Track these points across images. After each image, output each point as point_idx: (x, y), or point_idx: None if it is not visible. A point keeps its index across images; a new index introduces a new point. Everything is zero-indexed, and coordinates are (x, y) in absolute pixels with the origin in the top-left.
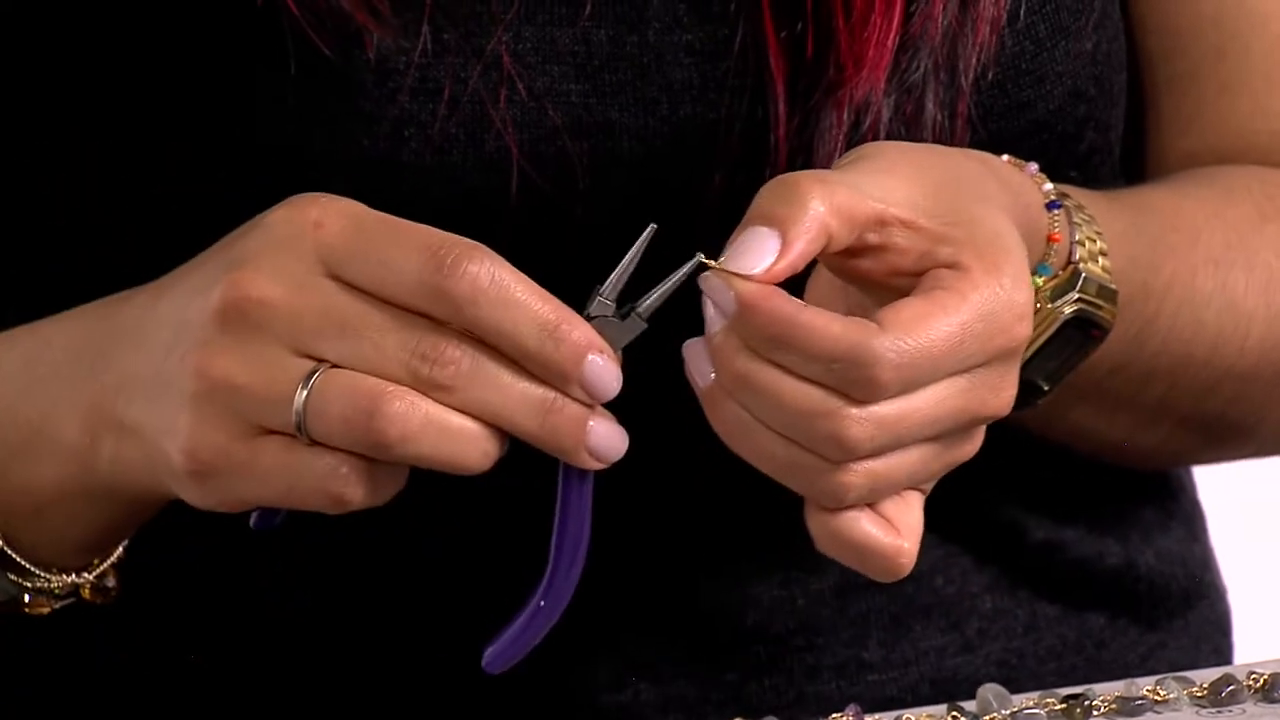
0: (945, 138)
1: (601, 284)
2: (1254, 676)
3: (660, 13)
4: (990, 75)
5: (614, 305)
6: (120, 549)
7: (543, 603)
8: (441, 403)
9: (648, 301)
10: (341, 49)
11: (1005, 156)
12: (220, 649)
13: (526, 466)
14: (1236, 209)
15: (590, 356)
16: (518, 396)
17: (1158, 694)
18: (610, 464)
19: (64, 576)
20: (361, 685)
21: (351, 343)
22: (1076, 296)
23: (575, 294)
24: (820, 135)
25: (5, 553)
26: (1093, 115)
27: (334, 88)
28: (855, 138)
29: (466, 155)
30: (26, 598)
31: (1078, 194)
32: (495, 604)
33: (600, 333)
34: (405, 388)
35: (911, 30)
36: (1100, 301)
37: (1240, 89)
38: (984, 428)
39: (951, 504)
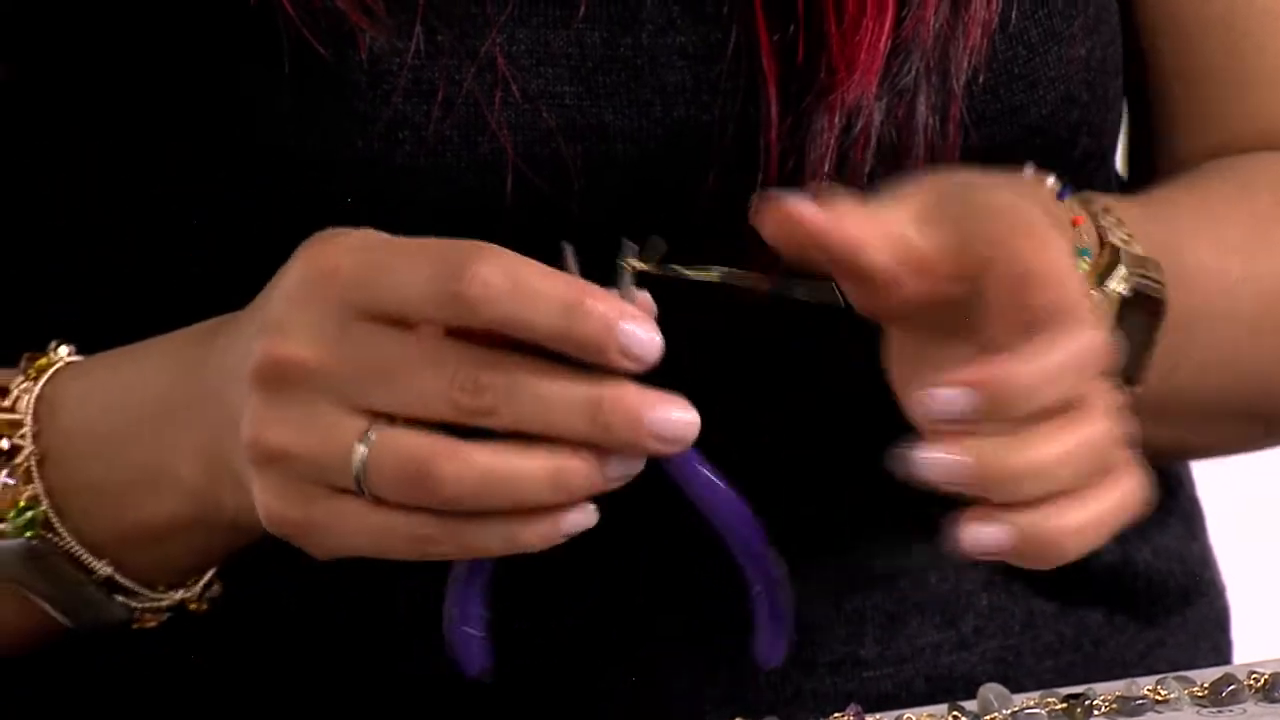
0: (937, 141)
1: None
2: (1255, 676)
3: (654, 15)
4: (982, 80)
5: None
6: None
7: (759, 587)
8: (494, 427)
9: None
10: (335, 49)
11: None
12: (219, 649)
13: None
14: (1255, 201)
15: (622, 323)
16: (563, 399)
17: (1158, 694)
18: (682, 439)
19: (173, 594)
20: (362, 685)
21: (391, 389)
22: (1124, 272)
23: None
24: (812, 138)
25: (115, 580)
26: (1086, 120)
27: (328, 88)
28: (847, 141)
29: (461, 157)
30: (134, 615)
31: (1085, 194)
32: (495, 604)
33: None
34: (456, 444)
35: (903, 33)
36: (1148, 271)
37: (1255, 86)
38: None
39: (946, 501)
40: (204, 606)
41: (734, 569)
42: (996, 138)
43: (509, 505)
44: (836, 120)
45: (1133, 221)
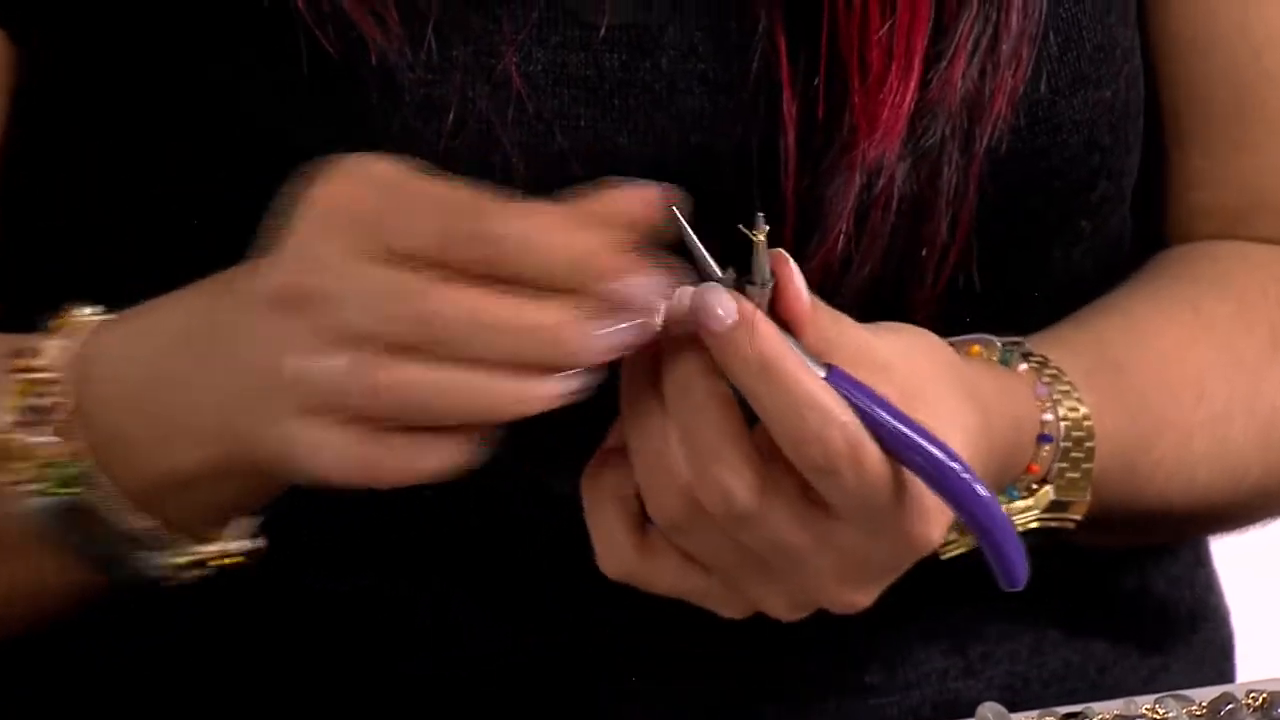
0: (958, 199)
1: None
2: (1253, 695)
3: (675, 40)
4: (1006, 121)
5: None
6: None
7: (986, 529)
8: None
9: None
10: (347, 59)
11: (1023, 367)
12: (219, 649)
13: (541, 460)
14: (1249, 337)
15: (623, 270)
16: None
17: (1156, 712)
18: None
19: (209, 546)
20: (361, 684)
21: (393, 308)
22: (1038, 515)
23: None
24: (832, 195)
25: (156, 534)
26: (1106, 164)
27: (338, 101)
28: (868, 199)
29: (471, 175)
30: (174, 572)
31: (1074, 371)
32: (494, 606)
33: None
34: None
35: (929, 96)
36: (1064, 515)
37: (1256, 146)
38: (810, 608)
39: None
40: (240, 559)
41: None
42: (1016, 181)
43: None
44: (857, 178)
45: (1106, 435)
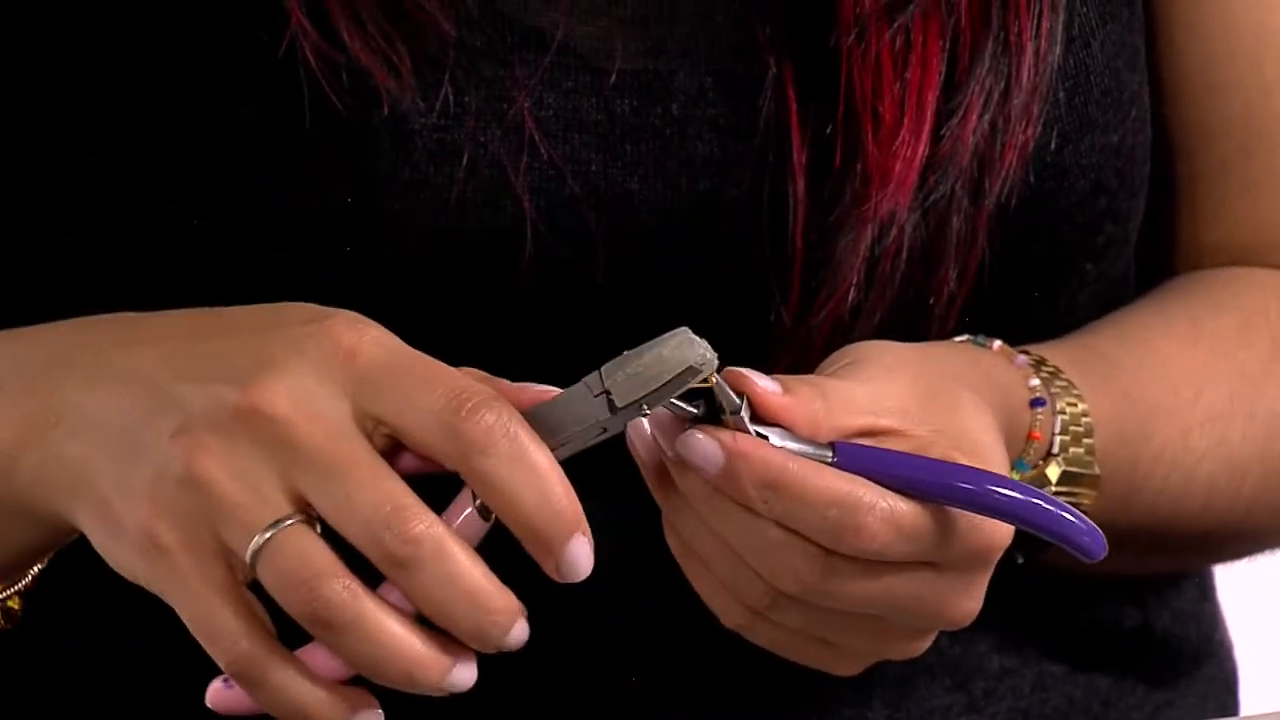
0: (966, 248)
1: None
2: None
3: (686, 86)
4: (1016, 175)
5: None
6: (31, 575)
7: (1042, 525)
8: (397, 581)
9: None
10: (358, 107)
11: (997, 344)
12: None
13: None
14: (1250, 350)
15: (578, 535)
16: (465, 595)
17: None
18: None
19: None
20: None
21: (332, 488)
22: (1053, 489)
23: (584, 368)
24: (842, 248)
25: None
26: (1113, 208)
27: (348, 146)
28: (878, 250)
29: (483, 220)
30: None
31: (1070, 366)
32: None
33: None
34: (350, 578)
35: (941, 150)
36: (1078, 489)
37: (1266, 187)
38: (932, 634)
39: None
40: (1, 622)
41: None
42: (1023, 227)
43: (359, 660)
44: (869, 231)
45: (1104, 418)
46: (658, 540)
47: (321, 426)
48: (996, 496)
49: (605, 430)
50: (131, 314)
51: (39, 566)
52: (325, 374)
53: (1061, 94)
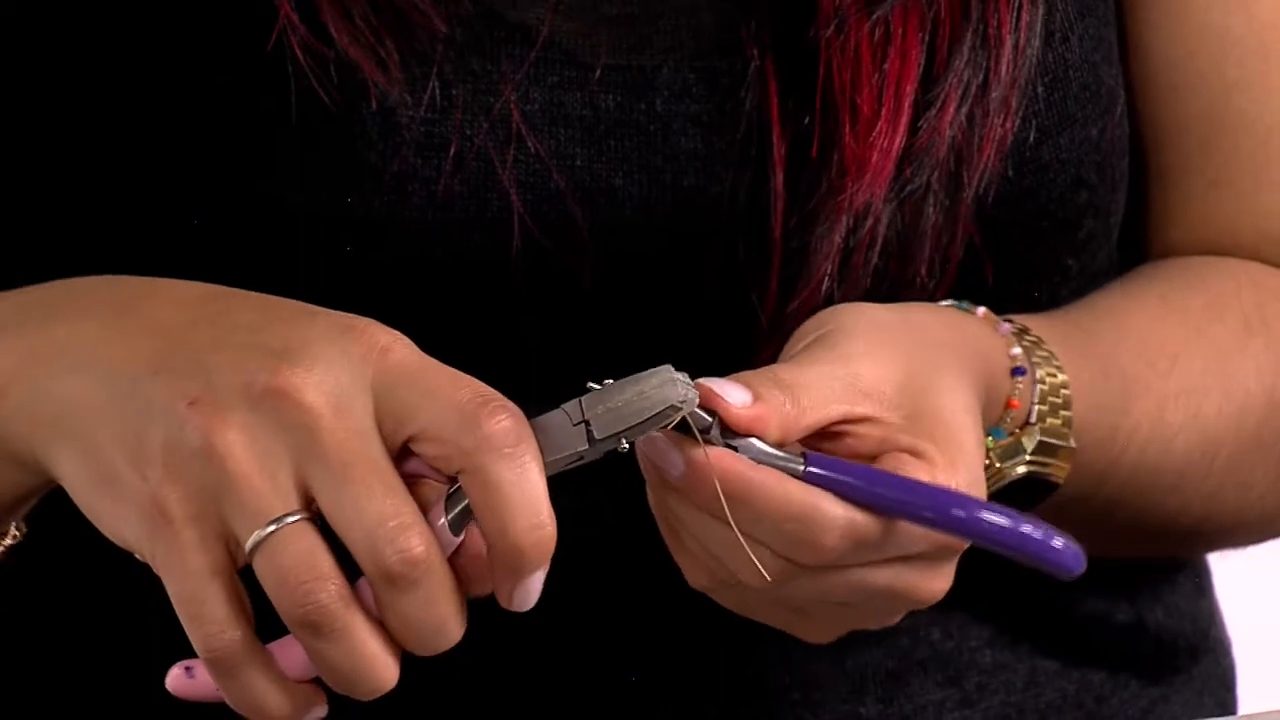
0: (943, 241)
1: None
2: None
3: (669, 81)
4: (994, 169)
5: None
6: (11, 534)
7: (1011, 545)
8: (381, 594)
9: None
10: (346, 101)
11: (981, 310)
12: None
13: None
14: (1221, 325)
15: (544, 567)
16: (436, 622)
17: None
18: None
19: None
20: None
21: (341, 489)
22: (1027, 458)
23: (572, 361)
24: (818, 237)
25: None
26: (1093, 203)
27: (337, 140)
28: (853, 241)
29: (469, 213)
30: None
31: (1052, 336)
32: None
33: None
34: (345, 586)
35: (918, 142)
36: (1051, 460)
37: (1227, 185)
38: (905, 610)
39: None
40: None
41: (731, 627)
42: (1003, 221)
43: (335, 674)
44: (844, 221)
45: (1082, 389)
46: (653, 594)
47: (344, 424)
48: (959, 518)
49: (582, 458)
50: (161, 279)
51: (16, 532)
52: (358, 371)
53: (1040, 89)
